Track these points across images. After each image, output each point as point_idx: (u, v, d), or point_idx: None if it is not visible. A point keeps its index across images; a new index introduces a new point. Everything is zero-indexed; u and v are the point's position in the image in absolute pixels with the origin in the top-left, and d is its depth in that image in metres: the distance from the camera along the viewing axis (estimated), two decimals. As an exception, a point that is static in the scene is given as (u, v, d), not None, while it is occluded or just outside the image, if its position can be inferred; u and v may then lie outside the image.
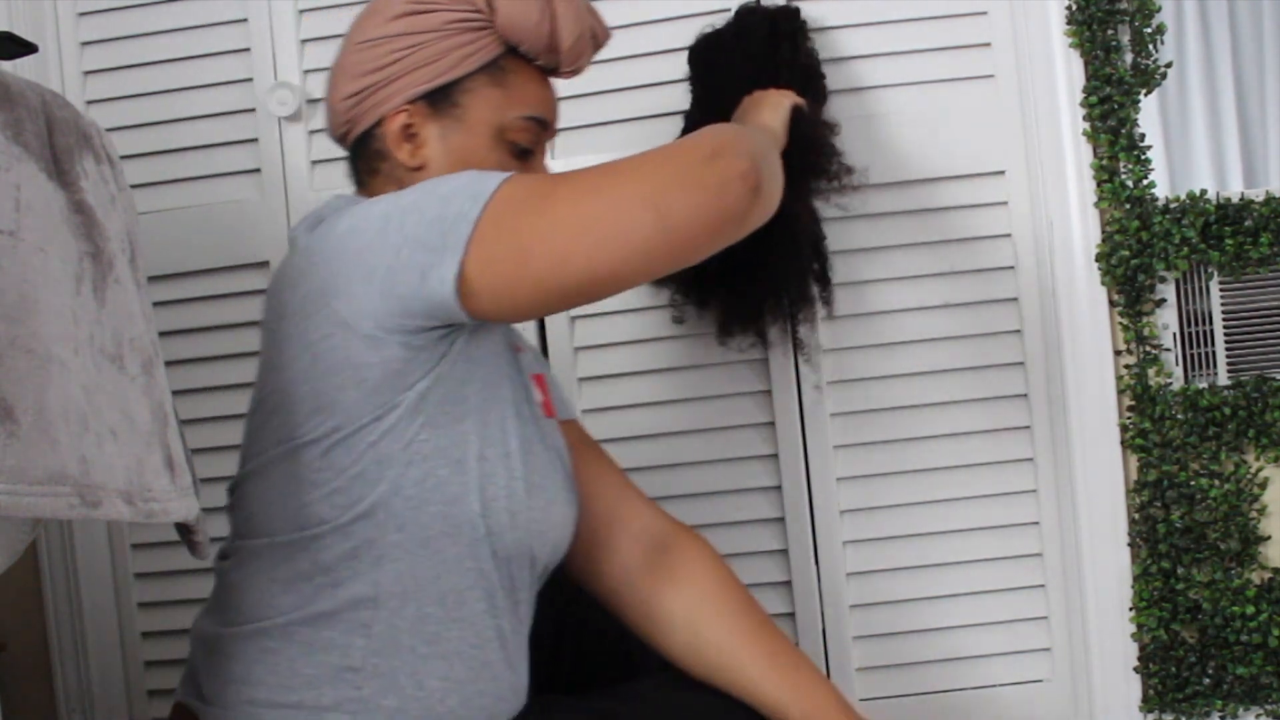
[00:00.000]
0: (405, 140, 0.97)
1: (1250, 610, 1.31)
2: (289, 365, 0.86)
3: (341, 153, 1.41)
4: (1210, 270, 1.33)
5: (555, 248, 0.82)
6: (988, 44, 1.36)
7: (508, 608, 0.93)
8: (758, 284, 1.26)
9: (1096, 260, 1.33)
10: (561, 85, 1.40)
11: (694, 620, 1.01)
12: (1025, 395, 1.36)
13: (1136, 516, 1.34)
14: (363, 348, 0.84)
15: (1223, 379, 1.34)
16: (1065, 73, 1.33)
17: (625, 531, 1.05)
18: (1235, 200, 1.32)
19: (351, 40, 0.99)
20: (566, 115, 1.41)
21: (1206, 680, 1.33)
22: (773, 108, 1.16)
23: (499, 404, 0.92)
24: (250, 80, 1.43)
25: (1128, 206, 1.32)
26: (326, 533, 0.86)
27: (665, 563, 1.04)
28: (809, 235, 1.29)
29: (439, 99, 0.97)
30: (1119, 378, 1.34)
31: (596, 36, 1.02)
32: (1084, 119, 1.33)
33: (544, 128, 1.02)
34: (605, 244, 0.82)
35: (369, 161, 1.00)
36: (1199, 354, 1.34)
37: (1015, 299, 1.36)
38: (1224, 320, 1.34)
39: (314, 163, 1.42)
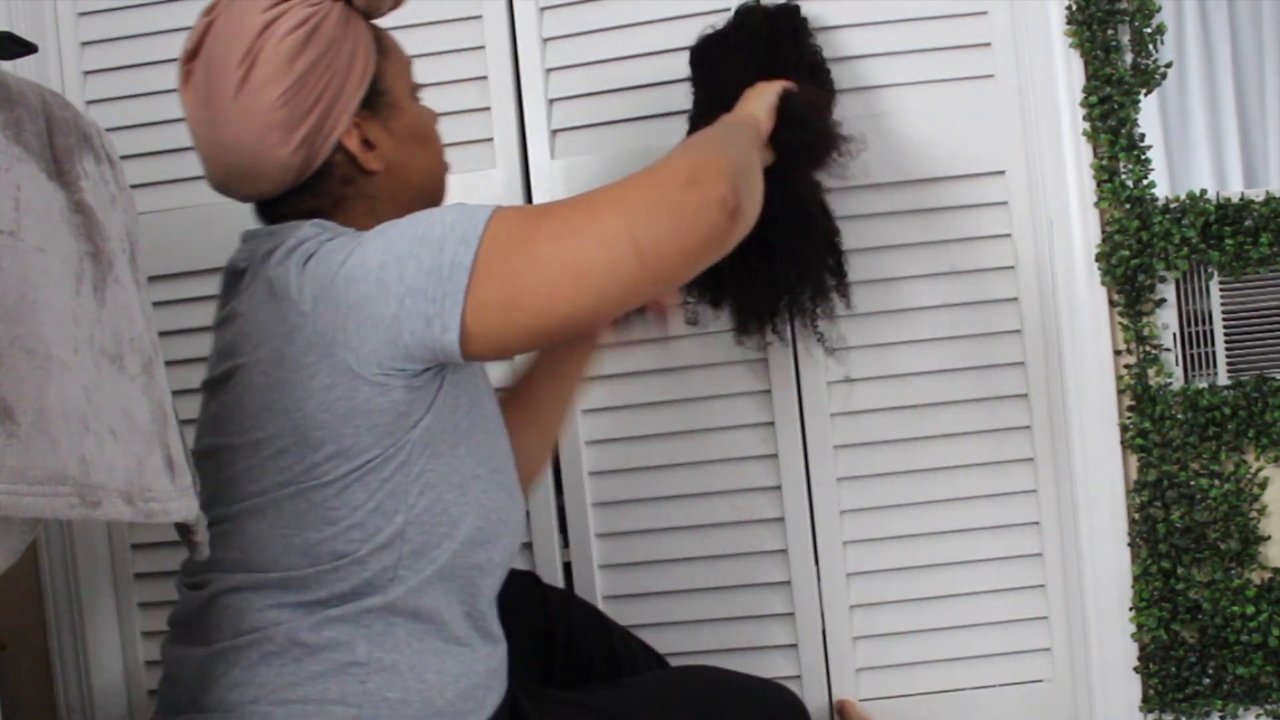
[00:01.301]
0: (368, 150, 0.98)
1: (1250, 610, 1.31)
2: (293, 411, 0.87)
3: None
4: (1210, 270, 1.33)
5: (541, 291, 0.83)
6: (988, 44, 1.36)
7: (490, 599, 0.98)
8: (773, 281, 1.26)
9: (1096, 260, 1.33)
10: (564, 86, 1.41)
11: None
12: (1025, 395, 1.36)
13: (1136, 516, 1.34)
14: (371, 393, 0.85)
15: (1223, 379, 1.34)
16: (1065, 73, 1.33)
17: None
18: (1235, 200, 1.32)
19: (260, 105, 0.93)
20: (569, 115, 1.41)
21: (1206, 680, 1.33)
22: (758, 95, 1.16)
23: (483, 422, 0.95)
24: (250, 80, 1.43)
25: (1128, 206, 1.32)
26: (344, 565, 0.88)
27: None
28: (823, 230, 1.29)
29: (371, 97, 0.98)
30: (1119, 378, 1.34)
31: None
32: (1084, 119, 1.33)
33: None
34: (588, 283, 0.83)
35: (331, 194, 0.98)
36: (1199, 354, 1.34)
37: (1015, 299, 1.36)
38: (1224, 320, 1.34)
39: (314, 163, 1.42)
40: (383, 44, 1.01)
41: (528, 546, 1.42)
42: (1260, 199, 1.31)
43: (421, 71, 1.40)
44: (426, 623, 0.91)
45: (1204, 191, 1.32)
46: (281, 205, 0.98)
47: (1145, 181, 1.32)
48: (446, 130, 1.40)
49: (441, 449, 0.90)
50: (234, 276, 0.96)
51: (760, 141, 1.10)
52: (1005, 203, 1.35)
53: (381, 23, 1.39)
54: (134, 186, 0.87)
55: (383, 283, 0.83)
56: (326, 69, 0.94)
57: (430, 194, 1.04)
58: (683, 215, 0.83)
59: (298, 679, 0.87)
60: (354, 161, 0.97)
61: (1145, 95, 1.33)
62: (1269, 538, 1.33)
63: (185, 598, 0.96)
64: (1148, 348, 1.34)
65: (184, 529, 0.80)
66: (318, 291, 0.86)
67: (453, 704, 0.92)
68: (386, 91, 0.99)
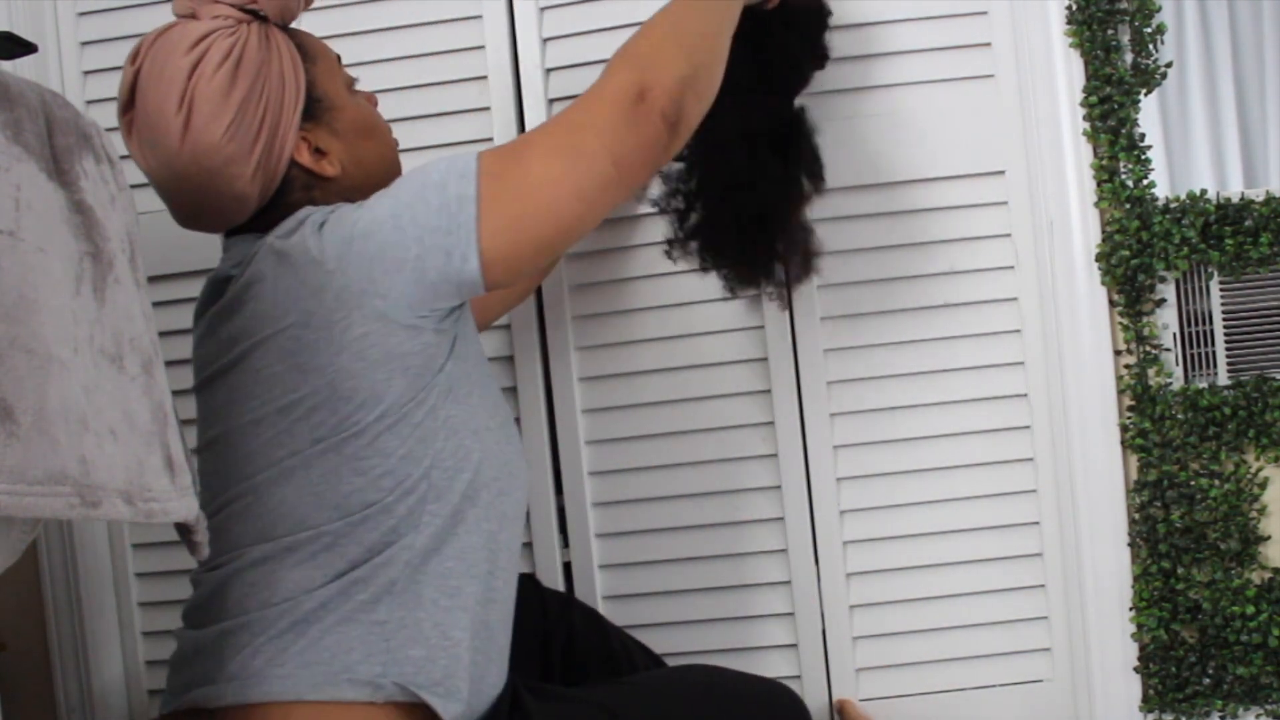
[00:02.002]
0: (321, 158, 1.00)
1: (1250, 610, 1.31)
2: (325, 368, 0.89)
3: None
4: (1210, 270, 1.33)
5: (546, 208, 0.90)
6: (988, 44, 1.36)
7: (509, 556, 1.00)
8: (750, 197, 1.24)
9: (1096, 260, 1.33)
10: (564, 85, 1.41)
11: None
12: (1025, 395, 1.36)
13: (1136, 516, 1.34)
14: (404, 337, 0.89)
15: (1223, 379, 1.34)
16: (1065, 73, 1.33)
17: None
18: (1235, 200, 1.32)
19: (208, 145, 0.95)
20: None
21: (1206, 680, 1.33)
22: None
23: (488, 380, 1.01)
24: (250, 80, 1.43)
25: (1128, 206, 1.32)
26: (373, 514, 0.91)
27: None
28: (801, 140, 1.27)
29: (310, 106, 1.00)
30: (1119, 378, 1.34)
31: None
32: (1084, 119, 1.33)
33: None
34: (583, 196, 0.91)
35: (299, 204, 1.00)
36: (1199, 354, 1.34)
37: (1015, 299, 1.36)
38: (1224, 320, 1.34)
39: (314, 163, 1.42)
40: (306, 49, 1.02)
41: (527, 546, 1.42)
42: (1260, 199, 1.31)
43: (421, 71, 1.41)
44: (455, 579, 0.93)
45: (1204, 191, 1.32)
46: (252, 225, 1.01)
47: (1145, 181, 1.32)
48: (446, 130, 1.41)
49: (461, 394, 0.94)
50: (220, 284, 0.97)
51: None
52: (1005, 203, 1.35)
53: (383, 22, 1.41)
54: (134, 186, 0.87)
55: (399, 229, 0.88)
56: (261, 93, 0.96)
57: (391, 177, 1.05)
58: (639, 128, 0.92)
59: (323, 641, 0.89)
60: (310, 172, 1.00)
61: (1145, 95, 1.32)
62: (1269, 538, 1.33)
63: (202, 581, 0.96)
64: (1148, 348, 1.34)
65: (184, 529, 0.80)
66: (340, 250, 0.89)
67: (473, 667, 0.93)
68: (323, 97, 1.01)
